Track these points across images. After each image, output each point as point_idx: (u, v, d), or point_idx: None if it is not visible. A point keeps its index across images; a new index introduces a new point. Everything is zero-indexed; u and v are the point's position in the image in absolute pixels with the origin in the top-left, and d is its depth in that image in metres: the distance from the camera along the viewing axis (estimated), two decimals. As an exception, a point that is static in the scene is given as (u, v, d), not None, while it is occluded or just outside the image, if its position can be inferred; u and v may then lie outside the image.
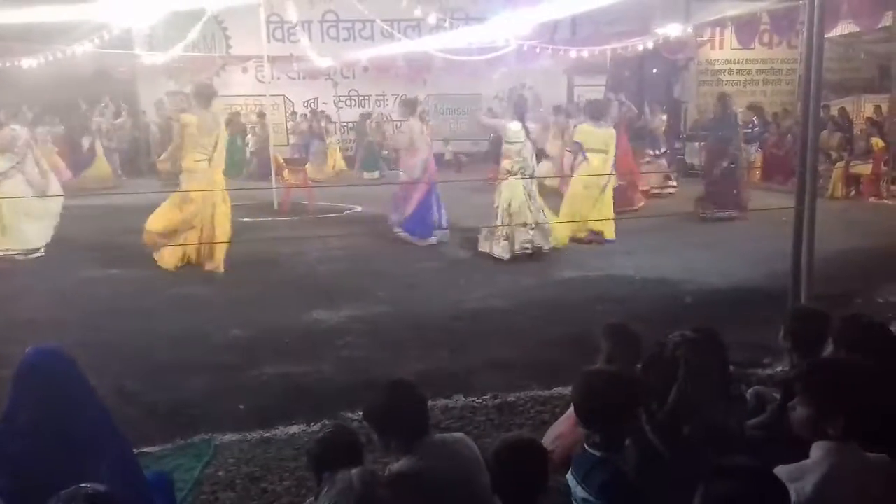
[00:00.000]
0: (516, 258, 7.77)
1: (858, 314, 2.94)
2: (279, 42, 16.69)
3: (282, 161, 12.82)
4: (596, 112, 9.15)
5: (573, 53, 14.54)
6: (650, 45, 13.91)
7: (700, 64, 17.29)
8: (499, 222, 7.84)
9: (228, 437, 3.97)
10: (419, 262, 7.92)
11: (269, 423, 4.10)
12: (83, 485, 1.97)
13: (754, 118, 14.93)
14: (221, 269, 7.46)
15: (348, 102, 19.12)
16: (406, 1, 11.78)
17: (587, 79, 17.17)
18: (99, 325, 5.82)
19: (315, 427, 4.01)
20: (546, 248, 7.96)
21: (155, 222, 7.54)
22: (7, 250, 8.09)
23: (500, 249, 7.83)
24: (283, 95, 18.26)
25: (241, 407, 4.34)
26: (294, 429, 4.05)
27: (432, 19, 13.17)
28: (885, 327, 2.81)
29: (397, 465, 2.54)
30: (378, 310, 6.22)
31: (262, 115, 16.45)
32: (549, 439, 3.54)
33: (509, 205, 7.81)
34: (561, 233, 8.42)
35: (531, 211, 7.88)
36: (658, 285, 6.85)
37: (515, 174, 7.85)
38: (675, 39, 13.89)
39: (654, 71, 16.34)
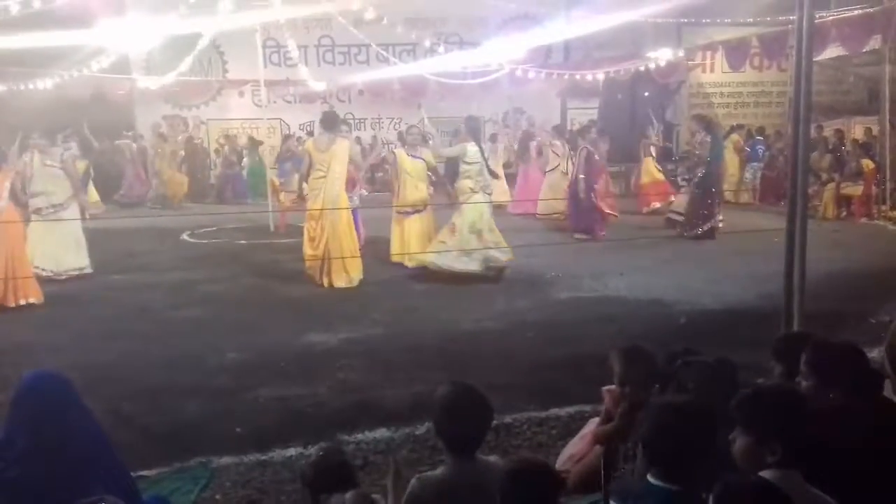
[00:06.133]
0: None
1: (826, 340, 2.90)
2: (275, 66, 16.81)
3: (278, 184, 12.88)
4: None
5: (566, 77, 14.71)
6: (642, 68, 14.10)
7: (691, 87, 17.50)
8: (462, 241, 7.85)
9: (225, 459, 3.96)
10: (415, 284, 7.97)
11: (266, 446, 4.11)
12: (103, 497, 1.99)
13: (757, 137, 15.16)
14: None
15: (344, 126, 19.18)
16: (401, 26, 11.92)
17: (580, 102, 17.34)
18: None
19: (311, 449, 4.01)
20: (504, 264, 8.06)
21: None
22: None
23: (461, 265, 7.86)
24: (280, 119, 18.37)
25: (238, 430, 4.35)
26: (291, 451, 4.05)
27: (427, 44, 13.32)
28: (855, 350, 2.77)
29: (440, 469, 2.53)
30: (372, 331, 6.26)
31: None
32: (561, 460, 3.55)
33: (470, 226, 7.87)
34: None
35: (492, 230, 8.03)
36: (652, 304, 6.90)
37: (477, 193, 7.96)
38: (666, 63, 14.09)
39: (646, 94, 16.52)
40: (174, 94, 17.00)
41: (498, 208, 11.93)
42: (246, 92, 17.14)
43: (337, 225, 7.73)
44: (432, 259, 7.99)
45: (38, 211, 8.03)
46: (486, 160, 8.12)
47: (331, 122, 8.10)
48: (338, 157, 7.80)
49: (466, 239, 7.85)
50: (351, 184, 8.71)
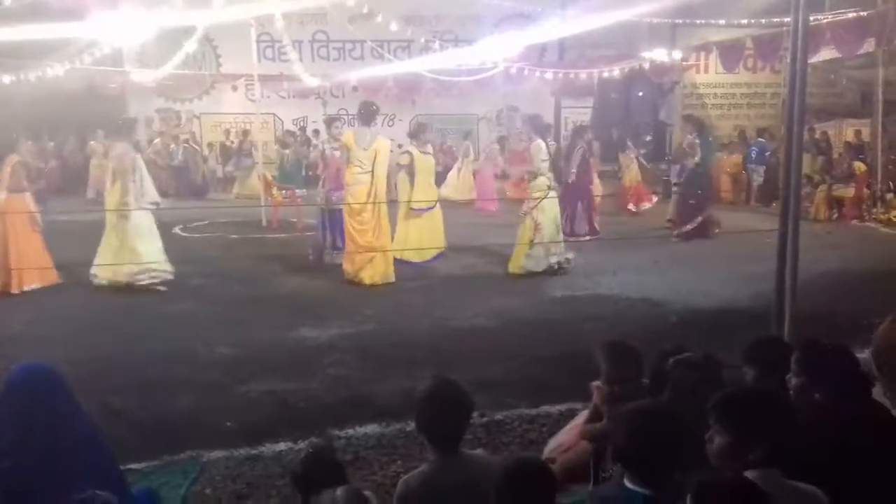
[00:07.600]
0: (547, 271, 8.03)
1: (817, 340, 2.89)
2: (269, 61, 16.73)
3: (270, 179, 12.85)
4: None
5: (561, 75, 14.75)
6: (636, 68, 14.15)
7: (685, 87, 17.53)
8: (544, 238, 7.98)
9: (216, 453, 3.95)
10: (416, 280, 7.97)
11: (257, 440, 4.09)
12: (98, 491, 1.98)
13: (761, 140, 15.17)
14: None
15: (337, 122, 19.15)
16: (396, 23, 11.89)
17: (574, 101, 17.37)
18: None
19: (302, 444, 4.01)
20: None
21: None
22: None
23: (533, 264, 8.01)
24: (273, 114, 18.32)
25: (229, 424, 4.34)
26: (281, 446, 4.04)
27: (422, 41, 13.31)
28: (846, 352, 2.78)
29: (424, 466, 2.52)
30: (364, 328, 6.25)
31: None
32: (549, 447, 3.55)
33: (553, 221, 8.08)
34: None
35: (559, 226, 8.30)
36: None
37: (551, 190, 8.12)
38: (660, 63, 14.15)
39: (640, 94, 16.56)
40: (167, 88, 16.95)
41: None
42: (239, 86, 17.11)
43: (384, 223, 7.70)
44: (523, 264, 8.02)
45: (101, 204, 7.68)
46: (551, 156, 8.24)
47: (369, 116, 7.80)
48: (380, 158, 7.63)
49: (552, 235, 8.00)
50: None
